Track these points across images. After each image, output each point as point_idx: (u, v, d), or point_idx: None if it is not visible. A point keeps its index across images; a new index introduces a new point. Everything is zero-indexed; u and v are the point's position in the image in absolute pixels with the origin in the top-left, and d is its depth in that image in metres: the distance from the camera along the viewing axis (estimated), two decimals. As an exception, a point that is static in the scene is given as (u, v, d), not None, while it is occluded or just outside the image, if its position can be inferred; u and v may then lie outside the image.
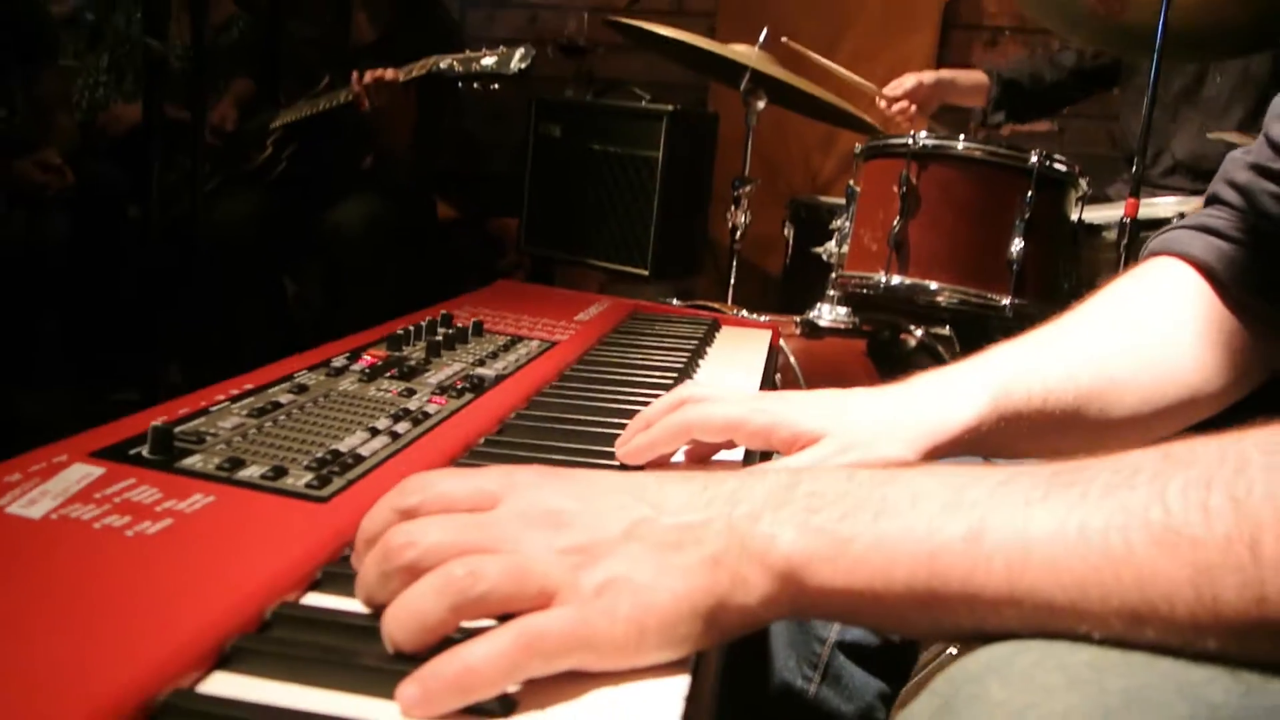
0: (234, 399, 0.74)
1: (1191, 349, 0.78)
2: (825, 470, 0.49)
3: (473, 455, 0.73)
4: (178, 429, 0.65)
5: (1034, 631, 0.43)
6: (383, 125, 2.49)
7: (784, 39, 2.41)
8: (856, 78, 2.53)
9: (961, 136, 1.82)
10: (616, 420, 0.82)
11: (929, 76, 2.53)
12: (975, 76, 2.64)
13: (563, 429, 0.81)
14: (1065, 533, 0.42)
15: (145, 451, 0.61)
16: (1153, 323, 0.79)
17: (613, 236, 2.86)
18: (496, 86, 2.36)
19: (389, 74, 2.39)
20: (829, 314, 2.04)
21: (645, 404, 0.81)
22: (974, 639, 0.45)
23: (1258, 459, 0.41)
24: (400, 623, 0.44)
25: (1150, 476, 0.42)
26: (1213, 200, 0.85)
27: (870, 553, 0.45)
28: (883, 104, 2.51)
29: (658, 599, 0.45)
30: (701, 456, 0.76)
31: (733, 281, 2.41)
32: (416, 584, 0.45)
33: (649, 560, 0.46)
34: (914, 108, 2.49)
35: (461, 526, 0.47)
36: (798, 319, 2.05)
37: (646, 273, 2.82)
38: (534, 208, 3.00)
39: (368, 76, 2.41)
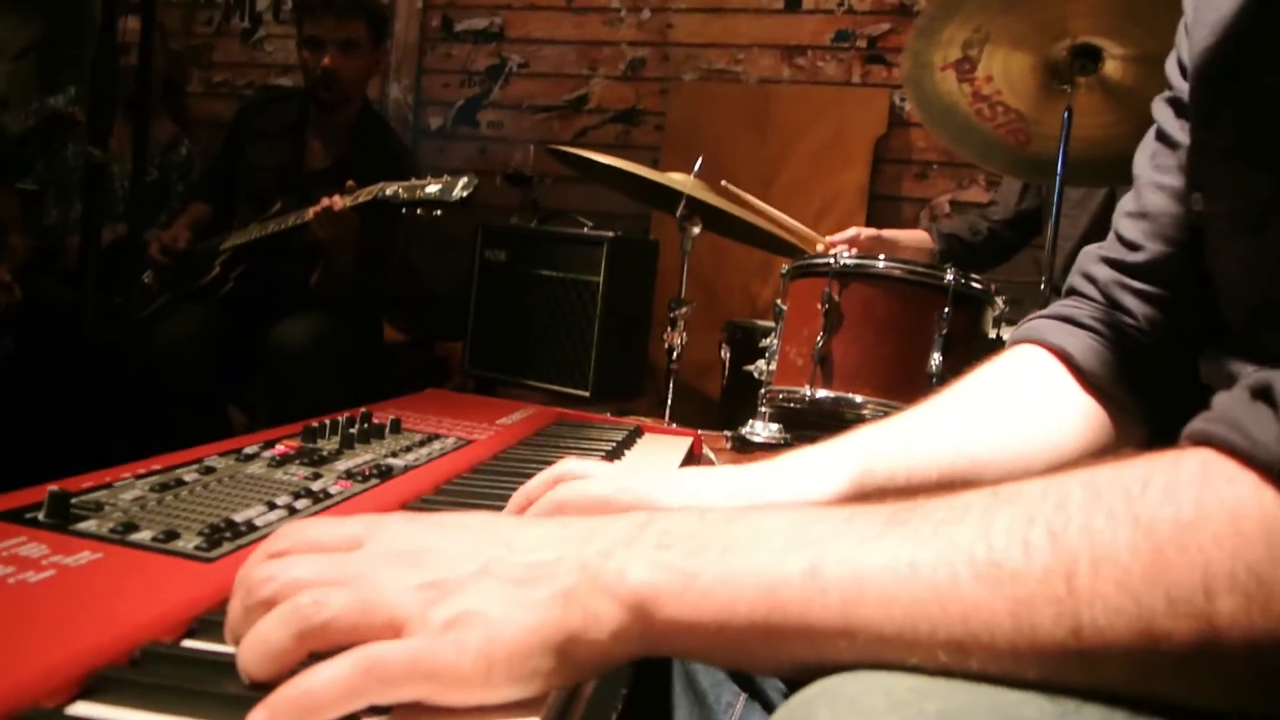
0: (139, 476, 0.76)
1: (1052, 430, 0.83)
2: (678, 511, 0.52)
3: (370, 531, 0.75)
4: (76, 498, 0.67)
5: (869, 663, 0.45)
6: (329, 247, 2.55)
7: (723, 183, 2.52)
8: (798, 224, 2.63)
9: (881, 256, 1.89)
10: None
11: (869, 231, 2.62)
12: (917, 235, 2.75)
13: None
14: (897, 568, 0.45)
15: (41, 515, 0.63)
16: (1014, 405, 0.84)
17: (555, 359, 2.92)
18: (439, 213, 2.43)
19: (337, 203, 2.46)
20: (761, 430, 2.08)
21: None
22: (815, 673, 0.47)
23: (1077, 494, 0.44)
24: (251, 651, 0.46)
25: (979, 514, 0.45)
26: (1070, 291, 0.91)
27: (715, 587, 0.47)
28: (821, 248, 2.60)
29: (507, 632, 0.46)
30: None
31: (670, 401, 2.45)
32: (267, 615, 0.47)
33: (501, 595, 0.48)
34: (854, 250, 2.57)
35: (321, 563, 0.49)
36: (728, 434, 2.09)
37: (587, 394, 2.87)
38: (479, 330, 3.05)
39: (316, 206, 2.48)
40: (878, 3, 3.39)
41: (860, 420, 1.92)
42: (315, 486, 0.81)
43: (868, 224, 3.01)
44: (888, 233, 2.64)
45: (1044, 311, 0.90)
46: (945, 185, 3.36)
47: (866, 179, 3.34)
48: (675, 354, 2.44)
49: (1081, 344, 0.85)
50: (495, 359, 3.03)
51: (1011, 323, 2.06)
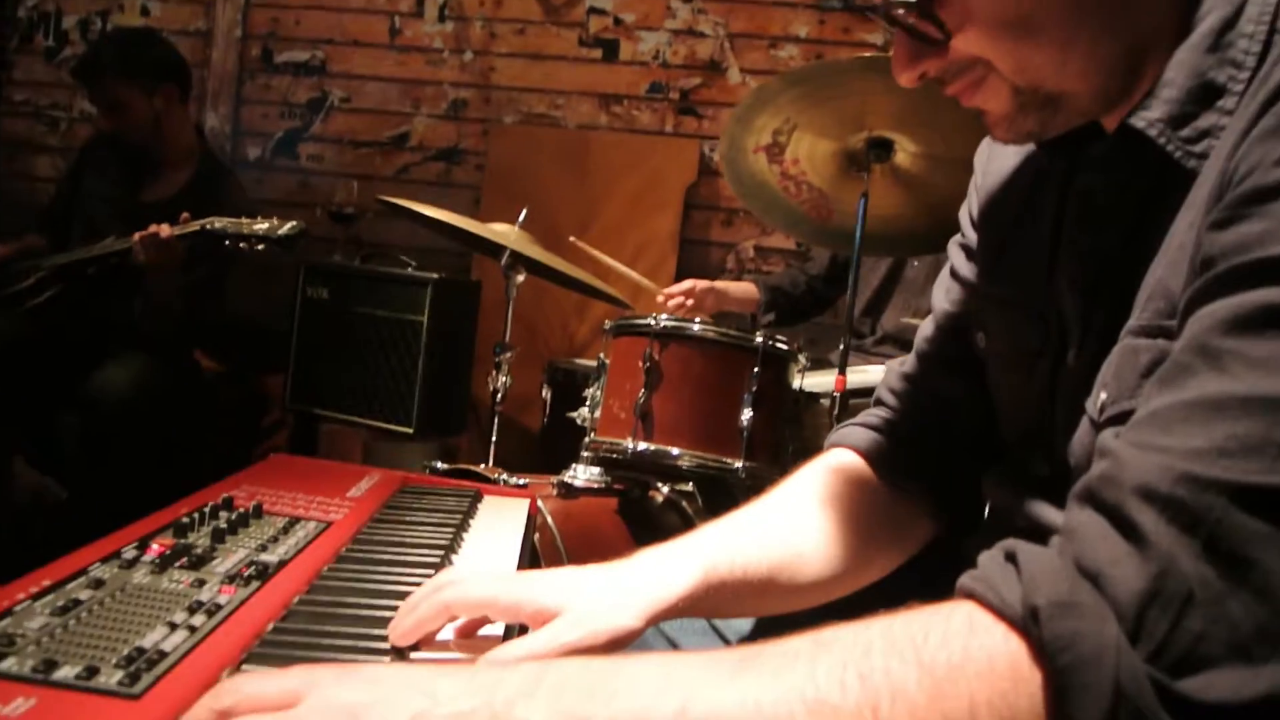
0: (34, 597, 0.82)
1: (861, 522, 0.98)
2: (568, 661, 0.64)
3: (263, 644, 0.83)
4: (-8, 632, 0.72)
5: None
6: (153, 278, 2.55)
7: (571, 239, 2.63)
8: (639, 276, 2.78)
9: (697, 320, 2.05)
10: (389, 602, 0.94)
11: (703, 283, 2.81)
12: (745, 287, 2.97)
13: (342, 614, 0.92)
14: (747, 706, 0.58)
15: (-37, 656, 0.69)
16: (829, 502, 0.99)
17: (378, 396, 2.96)
18: (263, 248, 2.48)
19: (164, 231, 2.46)
20: (583, 474, 2.20)
21: (416, 584, 0.94)
22: None
23: (878, 643, 0.58)
24: None
25: (806, 660, 0.59)
26: (877, 402, 1.07)
27: None
28: (661, 298, 2.76)
29: None
30: (468, 632, 0.89)
31: (494, 441, 2.55)
32: None
33: None
34: (690, 302, 2.75)
35: None
36: (554, 480, 2.21)
37: (411, 431, 2.93)
38: (300, 366, 3.06)
39: (142, 232, 2.48)
40: (690, 58, 3.59)
41: (677, 470, 2.09)
42: (204, 597, 0.88)
43: (678, 266, 3.22)
44: (719, 284, 2.84)
45: (853, 420, 1.06)
46: (750, 231, 3.58)
47: (678, 224, 3.52)
48: (500, 396, 2.54)
49: (878, 446, 1.01)
50: (317, 396, 3.05)
51: (817, 366, 2.26)
